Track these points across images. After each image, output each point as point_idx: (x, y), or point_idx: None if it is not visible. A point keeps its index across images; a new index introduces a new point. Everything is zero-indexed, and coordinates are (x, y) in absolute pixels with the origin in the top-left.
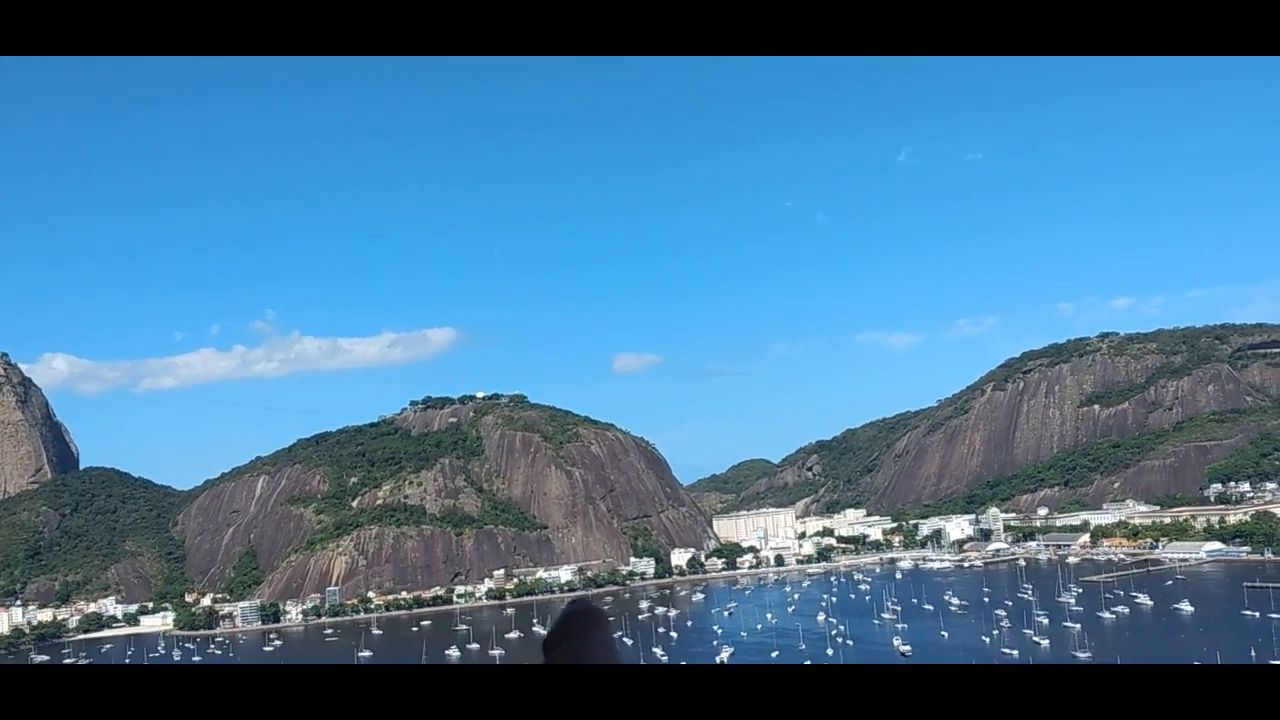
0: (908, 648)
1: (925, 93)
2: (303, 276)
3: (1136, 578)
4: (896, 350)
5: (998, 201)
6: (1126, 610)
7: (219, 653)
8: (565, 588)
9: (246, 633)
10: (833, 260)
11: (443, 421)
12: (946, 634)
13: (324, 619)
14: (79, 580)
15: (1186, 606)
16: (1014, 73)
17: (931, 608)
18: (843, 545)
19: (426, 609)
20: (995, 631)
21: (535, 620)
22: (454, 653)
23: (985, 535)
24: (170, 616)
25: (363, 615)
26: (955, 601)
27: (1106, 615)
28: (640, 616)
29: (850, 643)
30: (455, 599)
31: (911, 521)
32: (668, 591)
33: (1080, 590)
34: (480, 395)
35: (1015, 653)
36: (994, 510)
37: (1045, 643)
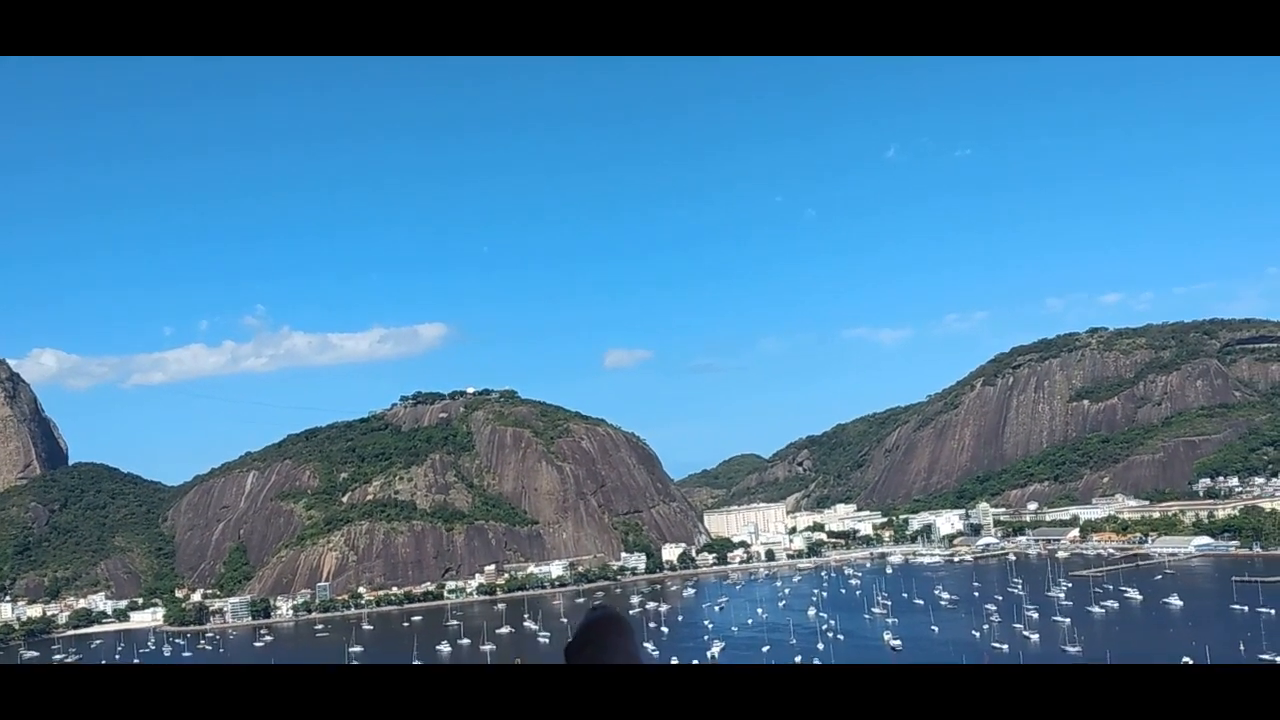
0: (898, 642)
1: (914, 90)
2: (292, 272)
3: (1126, 572)
4: (886, 345)
5: (986, 197)
6: (1116, 605)
7: (209, 648)
8: (556, 583)
9: (237, 628)
10: (822, 256)
11: (433, 417)
12: (937, 629)
13: (314, 615)
14: (68, 576)
15: (1176, 601)
16: (1003, 70)
17: (922, 602)
18: (833, 540)
19: (417, 604)
20: (985, 626)
21: (526, 615)
22: (445, 648)
23: (975, 530)
24: (160, 612)
25: (353, 611)
26: (945, 596)
27: (1096, 610)
28: (631, 612)
29: (841, 637)
30: (446, 594)
31: (902, 516)
32: (659, 587)
33: (1070, 585)
34: (471, 391)
35: (1005, 647)
36: (984, 505)
37: (1035, 637)
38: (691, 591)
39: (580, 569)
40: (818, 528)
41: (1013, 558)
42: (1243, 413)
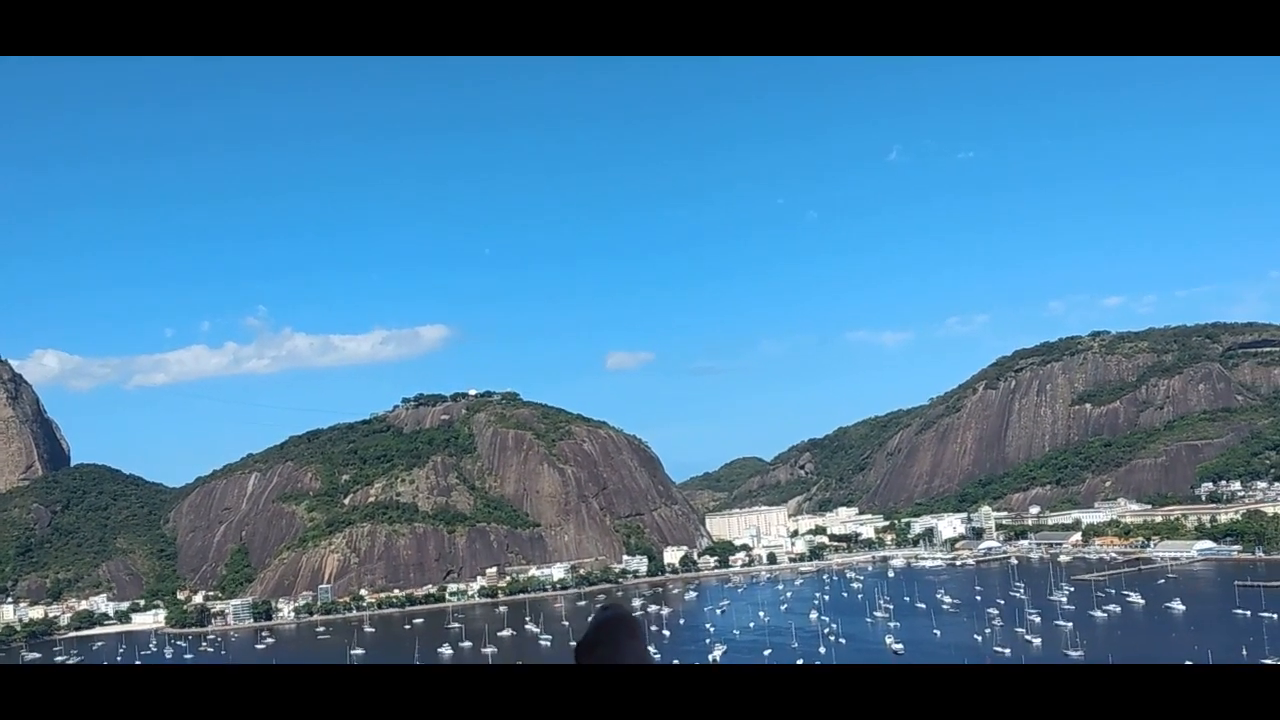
0: (900, 646)
1: (916, 91)
2: (294, 273)
3: (1128, 576)
4: (888, 348)
5: (988, 200)
6: (1118, 609)
7: (211, 650)
8: (558, 586)
9: (238, 630)
10: (823, 257)
11: (435, 419)
12: (939, 632)
13: (316, 617)
14: (70, 577)
15: (1178, 605)
16: (1006, 71)
17: (924, 606)
18: (835, 543)
19: (419, 607)
20: (987, 630)
21: (528, 618)
22: (447, 651)
23: (977, 534)
24: (162, 614)
25: (355, 613)
26: (947, 600)
27: (1098, 614)
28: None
29: (843, 641)
30: (448, 597)
31: (904, 520)
32: (660, 589)
33: (1072, 589)
34: (472, 393)
35: (1007, 651)
36: (986, 509)
37: (1037, 641)
38: (693, 594)
39: (582, 572)
40: (819, 531)
41: (1015, 561)
42: (1245, 417)
